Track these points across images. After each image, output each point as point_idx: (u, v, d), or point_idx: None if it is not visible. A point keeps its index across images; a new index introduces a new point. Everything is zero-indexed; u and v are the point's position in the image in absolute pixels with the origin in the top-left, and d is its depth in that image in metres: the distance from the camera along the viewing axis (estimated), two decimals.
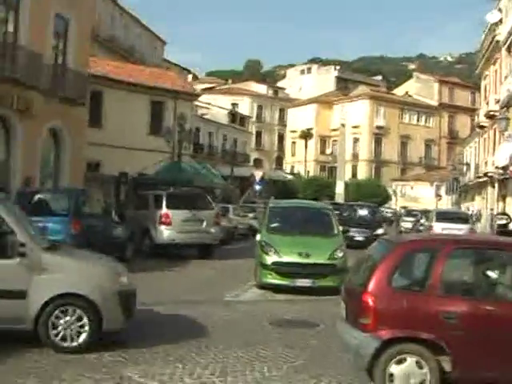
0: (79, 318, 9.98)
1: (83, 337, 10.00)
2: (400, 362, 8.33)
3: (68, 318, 9.96)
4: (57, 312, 9.92)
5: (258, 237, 18.78)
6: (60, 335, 9.94)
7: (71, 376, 8.81)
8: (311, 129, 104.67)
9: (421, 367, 8.29)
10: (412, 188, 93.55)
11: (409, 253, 9.05)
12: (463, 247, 9.22)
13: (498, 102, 43.25)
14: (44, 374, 8.83)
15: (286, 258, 17.26)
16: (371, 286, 8.52)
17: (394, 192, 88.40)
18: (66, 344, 9.95)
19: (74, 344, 9.98)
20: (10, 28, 28.26)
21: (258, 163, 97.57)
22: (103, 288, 10.18)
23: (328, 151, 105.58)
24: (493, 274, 9.10)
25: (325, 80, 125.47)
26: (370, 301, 8.42)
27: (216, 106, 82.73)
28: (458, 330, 8.26)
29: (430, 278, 8.56)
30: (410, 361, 8.32)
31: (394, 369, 8.32)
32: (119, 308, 10.27)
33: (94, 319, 10.01)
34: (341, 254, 17.69)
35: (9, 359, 9.39)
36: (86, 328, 10.00)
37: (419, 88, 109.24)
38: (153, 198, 26.29)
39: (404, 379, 8.31)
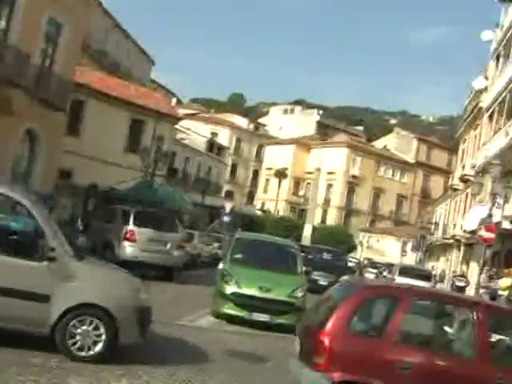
0: (96, 329, 9.95)
1: (98, 348, 9.96)
2: None
3: (86, 328, 9.91)
4: (76, 320, 9.89)
5: (221, 265, 18.62)
6: (76, 344, 9.89)
7: (13, 377, 8.56)
8: (287, 169, 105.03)
9: None
10: (378, 240, 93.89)
11: (370, 298, 9.02)
12: (424, 298, 9.22)
13: (473, 166, 43.66)
14: None
15: (245, 290, 17.06)
16: (329, 326, 8.46)
17: (361, 242, 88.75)
18: (81, 353, 9.90)
19: (90, 353, 9.92)
20: (1, 25, 28.21)
21: (229, 195, 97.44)
22: (124, 302, 10.22)
23: (301, 193, 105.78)
24: (450, 329, 9.08)
25: (306, 123, 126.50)
26: (326, 340, 8.34)
27: (195, 132, 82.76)
28: (410, 381, 8.19)
29: (388, 325, 8.52)
30: None
31: None
32: (136, 323, 10.31)
33: (111, 332, 9.99)
34: (301, 294, 17.56)
35: None
36: (103, 339, 9.96)
37: (398, 143, 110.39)
38: (120, 213, 26.09)
39: None
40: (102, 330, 9.95)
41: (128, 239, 24.41)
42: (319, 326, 8.60)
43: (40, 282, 9.69)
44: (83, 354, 9.89)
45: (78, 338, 9.87)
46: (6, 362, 9.17)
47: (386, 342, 8.41)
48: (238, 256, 18.89)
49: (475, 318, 8.56)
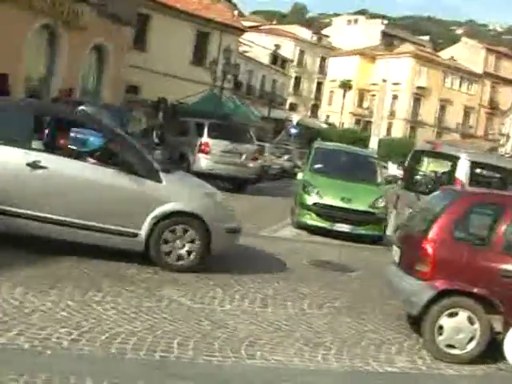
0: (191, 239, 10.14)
1: (192, 257, 10.14)
2: (451, 315, 8.07)
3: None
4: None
5: (300, 176, 18.45)
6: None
7: (110, 287, 8.59)
8: (351, 80, 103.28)
9: (472, 323, 8.02)
10: None
11: (474, 205, 8.71)
12: None
13: None
14: (82, 282, 8.63)
15: (327, 200, 16.91)
16: (432, 233, 8.23)
17: None
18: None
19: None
20: None
21: (293, 108, 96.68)
22: (214, 211, 10.42)
23: (365, 105, 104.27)
24: None
25: (371, 33, 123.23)
26: (430, 248, 8.14)
27: (259, 45, 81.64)
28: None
29: (494, 233, 8.24)
30: (462, 315, 8.05)
31: (444, 321, 8.06)
32: (226, 233, 10.45)
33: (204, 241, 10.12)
34: (382, 204, 17.34)
35: (49, 266, 9.17)
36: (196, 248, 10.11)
37: (465, 53, 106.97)
38: (194, 126, 25.75)
39: (453, 333, 8.06)
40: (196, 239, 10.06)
41: (202, 151, 24.18)
42: (422, 233, 8.38)
43: None
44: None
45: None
46: (101, 273, 9.23)
47: (491, 249, 8.16)
48: (318, 166, 18.68)
49: None
